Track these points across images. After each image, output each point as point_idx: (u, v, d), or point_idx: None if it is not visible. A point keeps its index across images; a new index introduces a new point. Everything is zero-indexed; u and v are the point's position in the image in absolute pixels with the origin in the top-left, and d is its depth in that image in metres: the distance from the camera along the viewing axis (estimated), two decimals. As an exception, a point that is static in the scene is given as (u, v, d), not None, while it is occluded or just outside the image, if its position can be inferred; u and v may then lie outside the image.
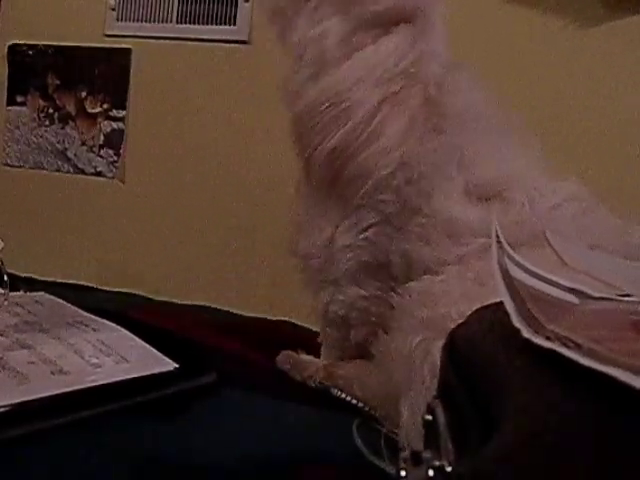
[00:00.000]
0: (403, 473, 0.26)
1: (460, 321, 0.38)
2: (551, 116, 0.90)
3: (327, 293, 0.79)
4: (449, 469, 0.26)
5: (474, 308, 0.43)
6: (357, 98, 0.71)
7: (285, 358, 0.85)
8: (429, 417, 0.28)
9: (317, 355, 0.86)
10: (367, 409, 0.73)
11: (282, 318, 1.15)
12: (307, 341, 0.90)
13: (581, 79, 1.29)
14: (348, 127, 0.71)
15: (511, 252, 0.33)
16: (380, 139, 0.70)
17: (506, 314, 0.28)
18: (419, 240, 0.70)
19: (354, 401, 0.75)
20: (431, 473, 0.26)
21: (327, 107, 0.72)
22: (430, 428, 0.28)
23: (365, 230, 0.75)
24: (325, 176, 0.74)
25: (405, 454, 0.26)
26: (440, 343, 0.57)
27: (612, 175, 0.77)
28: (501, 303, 0.29)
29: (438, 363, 0.56)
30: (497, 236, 0.34)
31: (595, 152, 1.14)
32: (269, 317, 1.15)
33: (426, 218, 0.70)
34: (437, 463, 0.26)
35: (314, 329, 1.02)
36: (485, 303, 0.33)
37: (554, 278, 0.33)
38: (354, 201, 0.74)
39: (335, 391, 0.78)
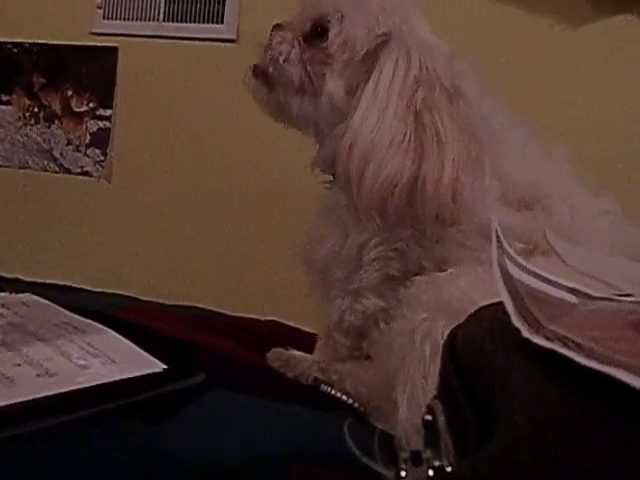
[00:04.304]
0: (403, 473, 0.26)
1: (465, 302, 0.38)
2: (540, 115, 0.90)
3: (345, 302, 0.78)
4: (449, 469, 0.26)
5: (480, 293, 0.43)
6: (386, 131, 0.69)
7: (276, 355, 0.84)
8: (429, 417, 0.28)
9: (307, 352, 0.85)
10: (357, 405, 0.73)
11: (271, 318, 1.15)
12: (297, 340, 0.89)
13: (569, 78, 1.29)
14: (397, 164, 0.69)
15: (512, 252, 0.33)
16: (444, 167, 0.68)
17: (506, 314, 0.28)
18: (457, 245, 0.70)
19: (344, 397, 0.75)
20: (431, 473, 0.26)
21: (362, 154, 0.70)
22: (430, 428, 0.28)
23: (398, 242, 0.74)
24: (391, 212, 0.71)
25: (405, 454, 0.26)
26: (443, 323, 0.58)
27: (600, 173, 0.78)
28: (501, 303, 0.29)
29: (440, 342, 0.56)
30: (497, 237, 0.34)
31: (584, 151, 1.15)
32: (258, 317, 1.14)
33: (465, 224, 0.70)
34: (437, 463, 0.26)
35: (303, 328, 1.02)
36: (492, 289, 0.33)
37: (554, 278, 0.32)
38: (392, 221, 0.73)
39: (326, 388, 0.78)
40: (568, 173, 0.75)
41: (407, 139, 0.69)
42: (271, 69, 0.79)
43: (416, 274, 0.73)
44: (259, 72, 0.80)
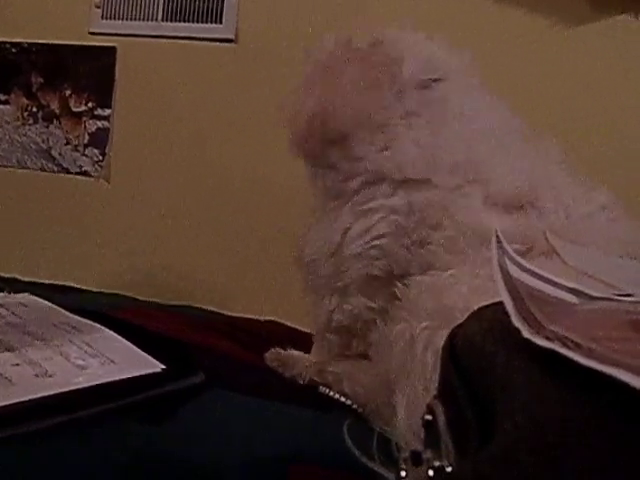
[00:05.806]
0: (403, 473, 0.26)
1: (467, 313, 0.38)
2: (539, 115, 0.90)
3: (332, 301, 0.78)
4: (449, 469, 0.26)
5: (482, 302, 0.43)
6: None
7: (274, 355, 0.84)
8: (429, 417, 0.28)
9: (306, 353, 0.85)
10: (355, 406, 0.73)
11: (270, 318, 1.15)
12: (295, 340, 0.89)
13: (568, 78, 1.29)
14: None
15: (512, 253, 0.33)
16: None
17: (506, 314, 0.28)
18: (446, 252, 0.69)
19: (342, 399, 0.75)
20: (431, 473, 0.26)
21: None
22: (430, 428, 0.28)
23: (377, 239, 0.74)
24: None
25: (405, 454, 0.26)
26: (445, 332, 0.57)
27: (600, 173, 0.78)
28: (501, 303, 0.29)
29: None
30: (497, 237, 0.34)
31: (584, 151, 1.15)
32: (257, 317, 1.14)
33: (451, 231, 0.69)
34: (437, 463, 0.26)
35: (302, 329, 1.02)
36: (493, 299, 0.33)
37: (554, 278, 0.32)
38: (364, 205, 0.73)
39: (323, 389, 0.78)
40: (560, 170, 0.73)
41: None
42: None
43: (402, 276, 0.72)
44: None
